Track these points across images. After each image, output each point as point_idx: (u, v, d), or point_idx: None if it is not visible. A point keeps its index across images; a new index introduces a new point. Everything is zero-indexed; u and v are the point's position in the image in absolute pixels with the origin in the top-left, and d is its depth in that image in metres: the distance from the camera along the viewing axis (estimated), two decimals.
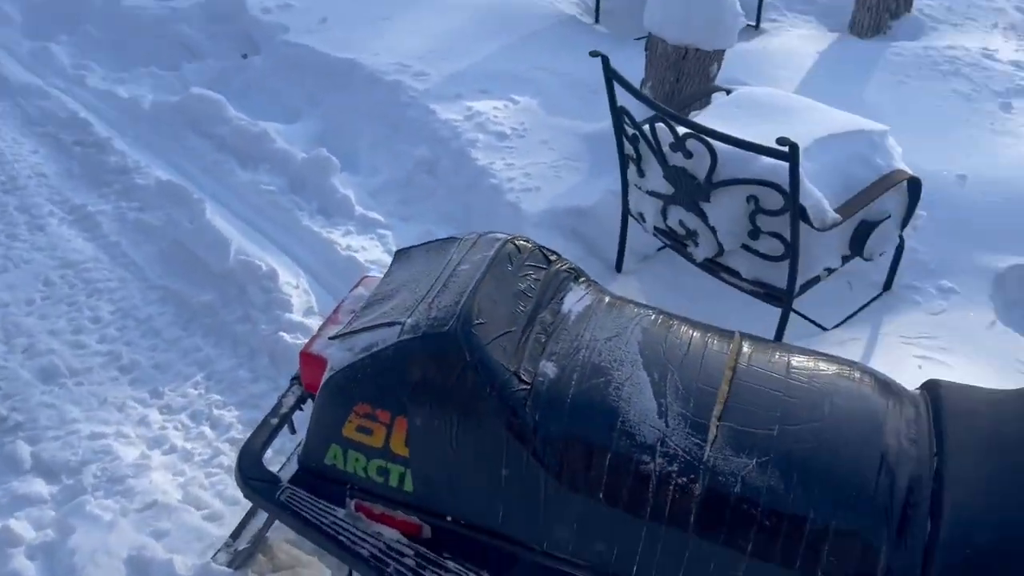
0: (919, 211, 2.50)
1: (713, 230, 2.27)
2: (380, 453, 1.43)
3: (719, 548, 1.28)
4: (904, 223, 2.46)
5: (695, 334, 1.50)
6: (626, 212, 2.65)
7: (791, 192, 2.03)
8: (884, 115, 3.00)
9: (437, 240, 1.65)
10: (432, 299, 1.44)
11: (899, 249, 2.59)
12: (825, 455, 1.29)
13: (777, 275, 2.27)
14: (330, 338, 1.52)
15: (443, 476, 1.42)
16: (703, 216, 2.27)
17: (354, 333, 1.46)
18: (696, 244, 2.36)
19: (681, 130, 2.18)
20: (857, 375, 1.44)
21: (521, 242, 1.58)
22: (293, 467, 1.59)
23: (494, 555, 1.49)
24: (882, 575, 1.21)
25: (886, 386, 1.43)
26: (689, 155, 2.20)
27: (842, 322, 2.58)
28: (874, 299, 2.66)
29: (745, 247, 2.27)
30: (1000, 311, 2.62)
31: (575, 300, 1.56)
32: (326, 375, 1.46)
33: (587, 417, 1.35)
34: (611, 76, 2.33)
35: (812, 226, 2.12)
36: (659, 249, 2.86)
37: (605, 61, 2.30)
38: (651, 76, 3.37)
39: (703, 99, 3.00)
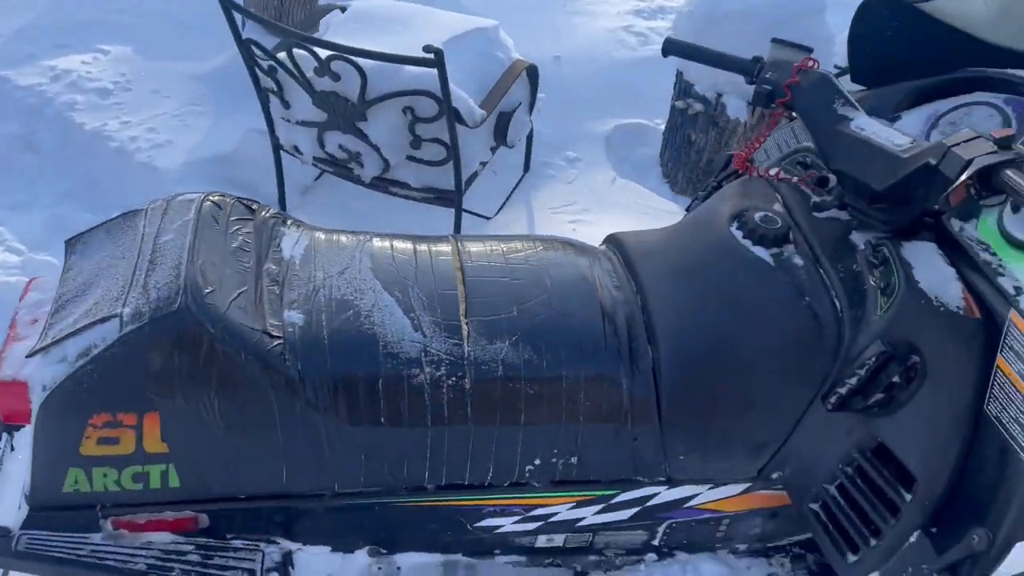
0: (539, 94, 2.79)
1: (376, 148, 2.31)
2: (133, 459, 1.29)
3: (497, 428, 1.40)
4: (531, 107, 2.73)
5: (417, 247, 1.55)
6: (277, 147, 2.57)
7: (443, 97, 2.14)
8: (477, 10, 3.23)
9: (115, 217, 1.47)
10: (144, 280, 1.30)
11: (530, 132, 2.88)
12: (560, 320, 1.45)
13: (443, 178, 2.40)
14: (27, 356, 1.30)
15: (213, 459, 1.33)
16: (363, 136, 2.30)
17: (58, 342, 1.27)
18: (361, 165, 2.39)
19: (324, 53, 2.15)
20: (559, 246, 1.62)
21: (217, 197, 1.48)
22: (18, 513, 1.37)
23: (281, 516, 1.45)
24: (627, 404, 1.42)
25: (583, 249, 1.64)
26: (337, 77, 2.19)
27: (500, 208, 2.82)
28: (519, 181, 2.94)
29: (410, 158, 2.35)
30: (616, 167, 3.07)
31: (292, 244, 1.51)
32: (38, 398, 1.26)
33: (349, 352, 1.35)
34: (228, 5, 2.19)
35: (467, 125, 2.26)
36: (317, 178, 2.83)
37: None
38: (252, 2, 3.21)
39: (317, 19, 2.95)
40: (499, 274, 1.51)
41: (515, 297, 1.47)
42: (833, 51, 2.64)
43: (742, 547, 1.64)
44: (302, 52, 2.19)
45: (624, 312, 1.49)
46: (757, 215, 1.50)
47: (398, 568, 1.53)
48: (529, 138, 2.88)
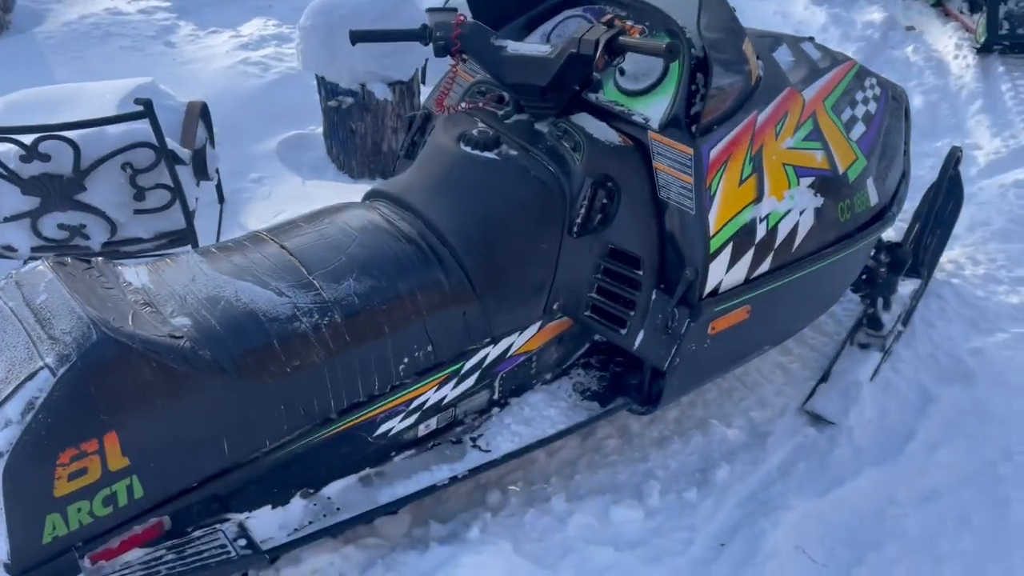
0: (215, 128, 3.04)
1: (101, 212, 2.42)
2: (102, 482, 1.45)
3: (371, 344, 1.77)
4: (212, 141, 2.98)
5: (237, 246, 1.84)
6: None
7: (159, 141, 2.34)
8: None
9: None
10: (46, 335, 1.45)
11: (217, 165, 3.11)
12: (376, 253, 1.86)
13: (172, 220, 2.58)
14: None
15: (166, 458, 1.53)
16: (84, 206, 2.39)
17: None
18: (87, 236, 2.47)
19: (28, 138, 2.21)
20: (339, 207, 2.01)
21: (57, 258, 1.62)
22: None
23: (224, 494, 1.67)
24: (450, 291, 1.86)
25: (355, 204, 2.05)
26: (47, 158, 2.26)
27: (217, 239, 3.03)
28: (221, 212, 3.17)
29: (137, 211, 2.50)
30: (297, 172, 3.42)
31: (135, 276, 1.71)
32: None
33: (241, 328, 1.63)
34: None
35: (184, 163, 2.48)
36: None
37: None
38: None
39: None
40: (313, 238, 1.88)
41: (336, 248, 1.85)
42: None
43: (549, 375, 2.20)
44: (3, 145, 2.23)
45: (416, 232, 1.94)
46: (474, 131, 2.04)
47: (328, 498, 1.84)
48: (216, 171, 3.11)
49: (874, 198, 2.28)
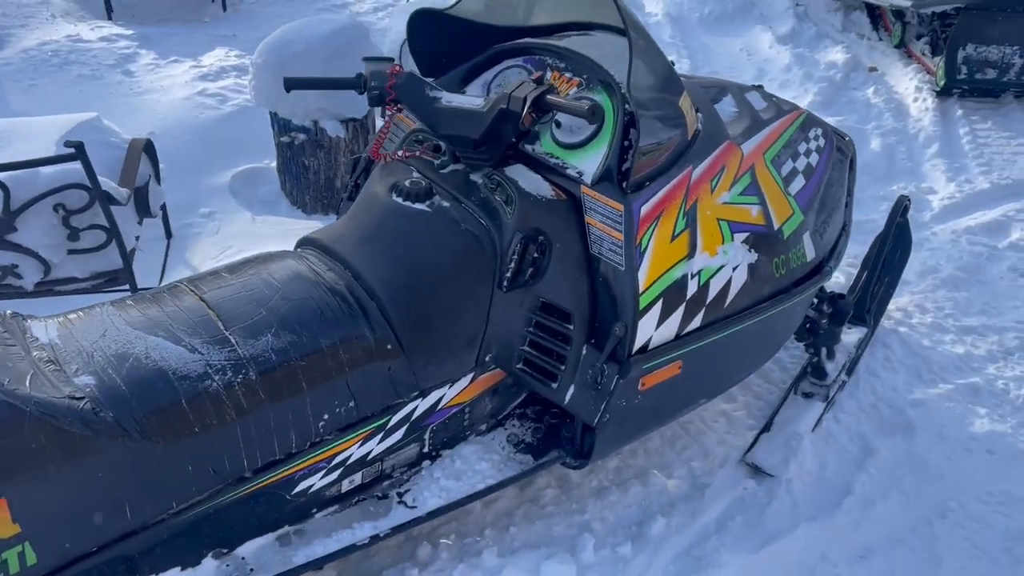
0: (160, 164, 3.01)
1: (33, 253, 2.38)
2: None
3: (288, 401, 1.73)
4: (159, 177, 2.94)
5: (155, 297, 1.80)
6: None
7: (92, 183, 2.31)
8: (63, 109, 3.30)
9: None
10: None
11: (163, 201, 3.08)
12: (300, 306, 1.83)
13: (107, 260, 2.54)
14: None
15: (62, 523, 1.48)
16: (15, 247, 2.35)
17: None
18: (19, 276, 2.43)
19: None
20: (266, 257, 1.99)
21: None
22: None
23: (127, 558, 1.62)
24: (374, 345, 1.83)
25: (285, 254, 2.02)
26: None
27: (162, 276, 2.99)
28: (168, 248, 3.13)
29: (71, 251, 2.46)
30: (249, 207, 3.39)
31: (44, 331, 1.67)
32: None
33: (147, 387, 1.59)
34: None
35: (120, 203, 2.44)
36: None
37: None
38: None
39: None
40: (235, 290, 1.84)
41: (257, 301, 1.81)
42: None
43: (483, 426, 2.17)
44: None
45: (343, 283, 1.91)
46: (406, 182, 2.02)
47: (243, 558, 1.79)
48: (163, 207, 3.08)
49: (811, 253, 2.28)
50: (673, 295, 1.97)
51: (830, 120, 4.15)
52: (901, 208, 2.87)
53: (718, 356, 2.15)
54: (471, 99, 1.98)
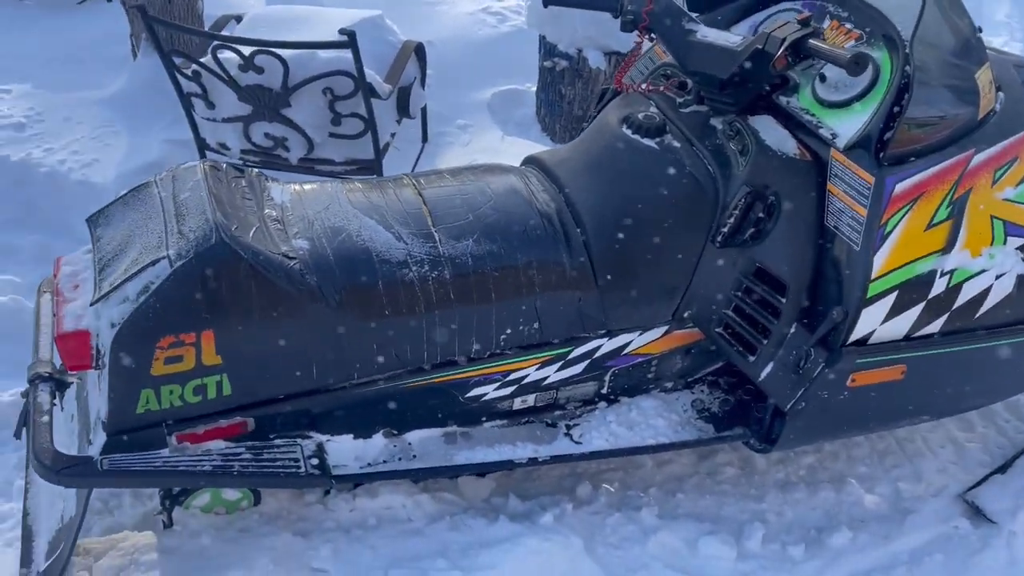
0: (428, 71, 3.15)
1: (301, 130, 2.62)
2: (195, 373, 1.58)
3: (475, 308, 1.76)
4: (423, 82, 3.09)
5: (381, 184, 1.90)
6: (203, 147, 2.82)
7: (358, 72, 2.47)
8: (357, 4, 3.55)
9: (127, 192, 1.75)
10: (178, 228, 1.59)
11: (424, 105, 3.23)
12: (506, 218, 1.84)
13: (363, 149, 2.73)
14: (91, 304, 1.56)
15: (258, 365, 1.64)
16: (288, 121, 2.60)
17: (117, 287, 1.54)
18: (287, 149, 2.69)
19: (247, 50, 2.43)
20: (492, 167, 2.01)
21: (212, 163, 1.77)
22: (94, 444, 1.62)
23: (312, 413, 1.76)
24: (569, 274, 1.81)
25: (509, 168, 2.03)
26: (261, 71, 2.48)
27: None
28: (421, 151, 3.29)
29: (332, 135, 2.67)
30: (502, 127, 3.47)
31: (280, 193, 1.83)
32: (108, 335, 1.53)
33: (351, 262, 1.69)
34: (151, 23, 2.45)
35: (380, 97, 2.60)
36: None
37: (143, 9, 2.40)
38: (136, 30, 3.41)
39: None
40: (451, 191, 1.88)
41: (468, 206, 1.84)
42: None
43: (669, 384, 2.07)
44: (227, 54, 2.47)
45: (554, 206, 1.89)
46: (640, 115, 1.93)
47: (409, 444, 1.88)
48: (424, 111, 3.24)
49: None
50: (912, 290, 1.72)
51: None
52: None
53: (954, 372, 1.87)
54: (728, 36, 1.83)
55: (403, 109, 2.88)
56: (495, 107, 3.53)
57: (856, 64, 1.56)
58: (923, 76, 1.62)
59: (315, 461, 1.73)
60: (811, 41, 1.67)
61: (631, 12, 1.96)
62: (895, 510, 2.17)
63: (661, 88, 2.03)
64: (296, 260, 1.65)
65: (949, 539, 2.10)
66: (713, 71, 1.83)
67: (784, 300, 1.79)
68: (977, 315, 1.79)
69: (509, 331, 1.81)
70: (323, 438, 1.78)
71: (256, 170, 1.87)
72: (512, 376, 1.89)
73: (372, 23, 2.88)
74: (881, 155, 1.64)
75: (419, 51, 3.00)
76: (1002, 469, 2.23)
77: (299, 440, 1.76)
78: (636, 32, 1.99)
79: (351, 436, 1.82)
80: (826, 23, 1.93)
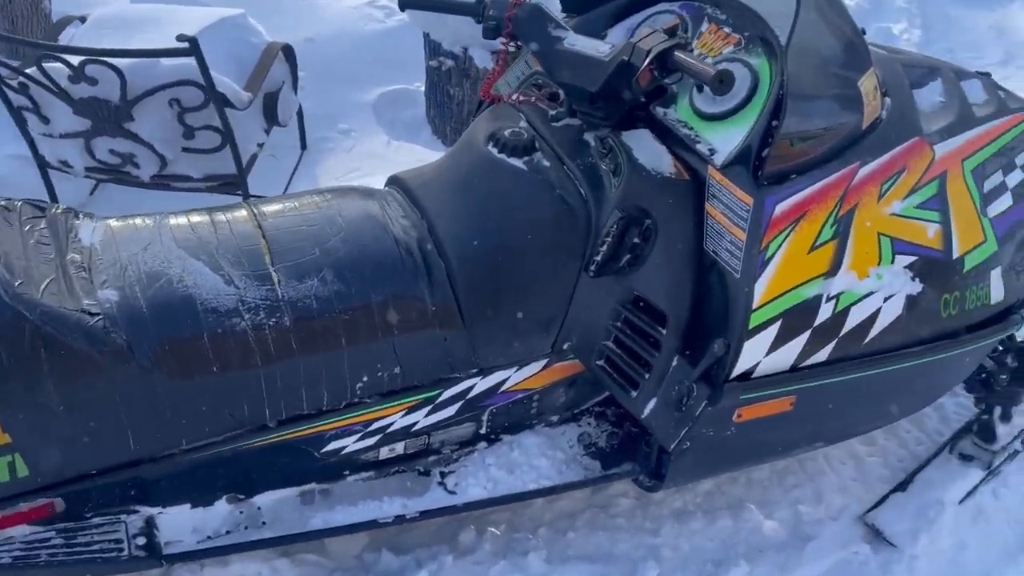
0: (300, 72, 2.91)
1: (149, 145, 2.36)
2: None
3: (322, 356, 1.57)
4: (295, 86, 2.85)
5: (213, 216, 1.68)
6: (44, 166, 2.53)
7: (206, 82, 2.23)
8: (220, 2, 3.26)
9: None
10: None
11: (299, 110, 3.00)
12: (358, 252, 1.64)
13: (224, 164, 2.48)
14: None
15: (57, 440, 1.41)
16: (133, 136, 2.34)
17: None
18: (137, 166, 2.42)
19: (76, 59, 2.16)
20: (346, 192, 1.80)
21: (4, 201, 1.53)
22: None
23: (136, 484, 1.55)
24: (432, 311, 1.63)
25: (368, 192, 1.83)
26: (94, 82, 2.21)
27: (286, 188, 2.93)
28: (299, 159, 3.06)
29: (185, 149, 2.42)
30: (388, 131, 3.26)
31: (90, 233, 1.59)
32: None
33: (169, 314, 1.47)
34: None
35: (236, 108, 2.36)
36: (92, 191, 2.80)
37: None
38: None
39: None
40: (296, 223, 1.67)
41: (315, 239, 1.64)
42: None
43: (554, 418, 1.92)
44: (55, 64, 2.19)
45: (415, 235, 1.70)
46: (506, 132, 1.76)
47: (258, 508, 1.67)
48: (300, 116, 3.00)
49: (998, 294, 1.80)
50: (797, 317, 1.60)
51: None
52: None
53: (847, 398, 1.76)
54: (598, 44, 1.66)
55: (271, 117, 2.65)
56: (381, 109, 3.32)
57: (720, 83, 1.42)
58: (800, 86, 1.48)
59: (142, 540, 1.52)
60: (676, 54, 1.51)
61: (493, 17, 1.78)
62: (795, 536, 2.07)
63: (533, 99, 1.86)
64: (100, 315, 1.42)
65: (849, 566, 2.01)
66: (582, 83, 1.66)
67: (664, 331, 1.65)
68: (867, 340, 1.68)
69: (366, 379, 1.62)
70: (153, 511, 1.57)
71: (63, 207, 1.62)
72: (375, 425, 1.70)
73: (232, 23, 2.63)
74: (759, 173, 1.50)
75: (287, 52, 2.76)
76: (902, 486, 2.15)
77: (123, 516, 1.54)
78: (500, 39, 1.81)
79: (188, 506, 1.60)
80: (704, 26, 1.78)
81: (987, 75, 2.12)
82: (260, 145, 2.65)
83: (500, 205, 1.70)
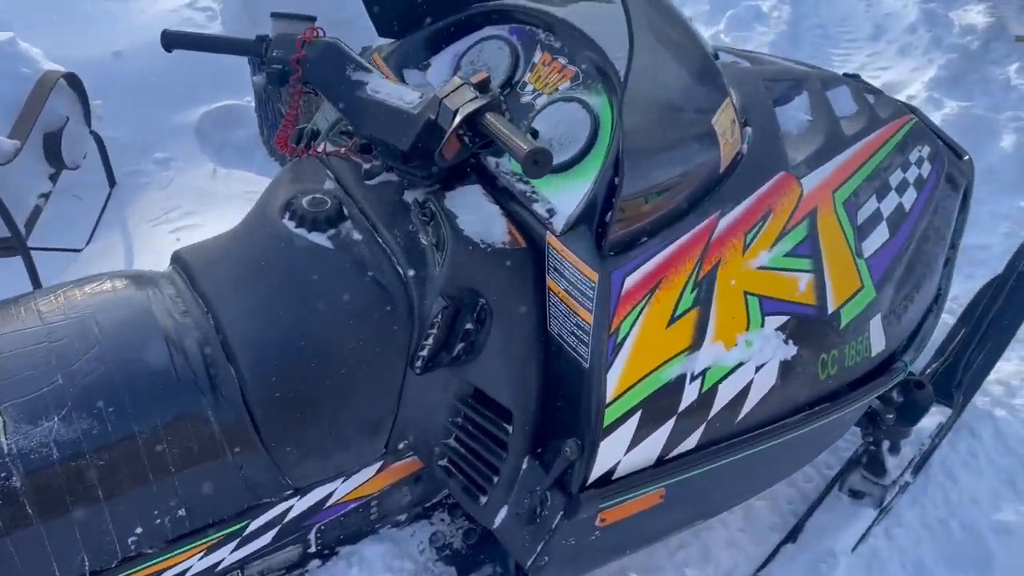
0: (95, 101, 2.49)
1: None
2: None
3: (72, 516, 1.23)
4: (87, 118, 2.43)
5: None
6: None
7: None
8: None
9: None
10: None
11: (100, 144, 2.57)
12: (118, 370, 1.30)
13: None
14: None
15: None
16: None
17: None
18: None
19: None
20: (108, 285, 1.44)
21: None
22: None
23: None
24: (220, 435, 1.31)
25: (139, 279, 1.48)
26: None
27: (91, 236, 2.52)
28: (107, 199, 2.64)
29: None
30: (215, 157, 2.86)
31: None
32: None
33: None
34: None
35: None
36: None
37: None
38: None
39: None
40: (32, 341, 1.32)
41: (58, 362, 1.29)
42: None
43: (401, 518, 1.64)
44: None
45: (195, 337, 1.37)
46: (305, 200, 1.44)
47: None
48: (103, 149, 2.58)
49: (878, 344, 1.61)
50: (659, 404, 1.36)
51: (952, 108, 3.32)
52: None
53: (723, 478, 1.54)
54: (405, 91, 1.36)
55: (55, 159, 2.23)
56: (206, 131, 2.91)
57: (535, 164, 1.14)
58: (641, 136, 1.22)
59: None
60: (488, 115, 1.23)
61: (279, 60, 1.45)
62: None
63: (343, 150, 1.54)
64: None
65: None
66: (389, 139, 1.35)
67: (511, 430, 1.38)
68: (739, 417, 1.46)
69: (140, 530, 1.29)
70: None
71: None
72: (168, 574, 1.38)
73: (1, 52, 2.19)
74: (603, 241, 1.25)
75: (71, 81, 2.33)
76: (792, 536, 1.99)
77: None
78: (290, 86, 1.48)
79: None
80: (537, 56, 1.51)
81: (856, 77, 1.94)
82: (44, 196, 2.23)
83: (299, 294, 1.38)
